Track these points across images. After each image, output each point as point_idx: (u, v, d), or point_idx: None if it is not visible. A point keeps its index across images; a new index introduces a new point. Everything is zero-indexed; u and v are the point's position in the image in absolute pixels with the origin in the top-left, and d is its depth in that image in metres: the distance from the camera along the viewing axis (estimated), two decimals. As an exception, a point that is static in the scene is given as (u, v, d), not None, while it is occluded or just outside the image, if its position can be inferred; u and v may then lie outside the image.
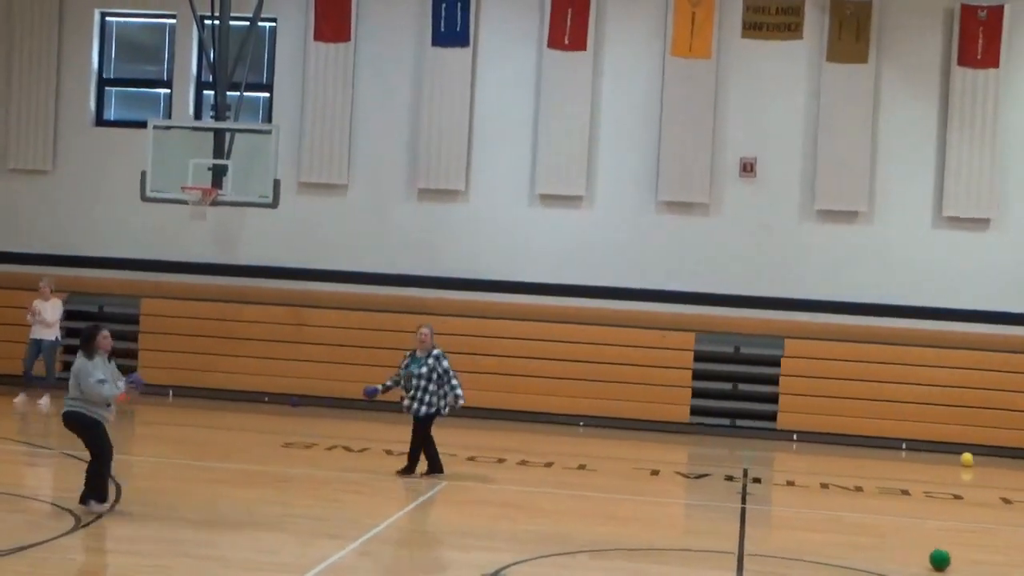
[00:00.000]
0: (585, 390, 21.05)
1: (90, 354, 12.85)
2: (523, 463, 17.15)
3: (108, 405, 12.94)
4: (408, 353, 15.60)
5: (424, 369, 15.28)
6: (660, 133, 21.34)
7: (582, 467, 17.20)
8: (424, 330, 15.52)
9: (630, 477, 16.81)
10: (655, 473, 17.11)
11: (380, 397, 15.65)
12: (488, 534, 12.95)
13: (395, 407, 20.67)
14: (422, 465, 15.55)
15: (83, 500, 12.77)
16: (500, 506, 14.38)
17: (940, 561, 12.00)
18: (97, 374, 12.76)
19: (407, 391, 15.36)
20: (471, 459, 17.23)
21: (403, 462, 15.71)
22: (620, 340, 21.13)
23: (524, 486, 15.60)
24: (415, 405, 15.31)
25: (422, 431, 15.47)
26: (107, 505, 12.82)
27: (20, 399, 19.95)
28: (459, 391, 15.38)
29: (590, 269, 21.53)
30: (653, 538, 13.25)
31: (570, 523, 13.66)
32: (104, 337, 12.95)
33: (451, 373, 15.40)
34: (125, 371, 13.31)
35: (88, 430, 12.97)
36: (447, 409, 15.46)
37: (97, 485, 12.85)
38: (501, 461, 17.23)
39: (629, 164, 21.55)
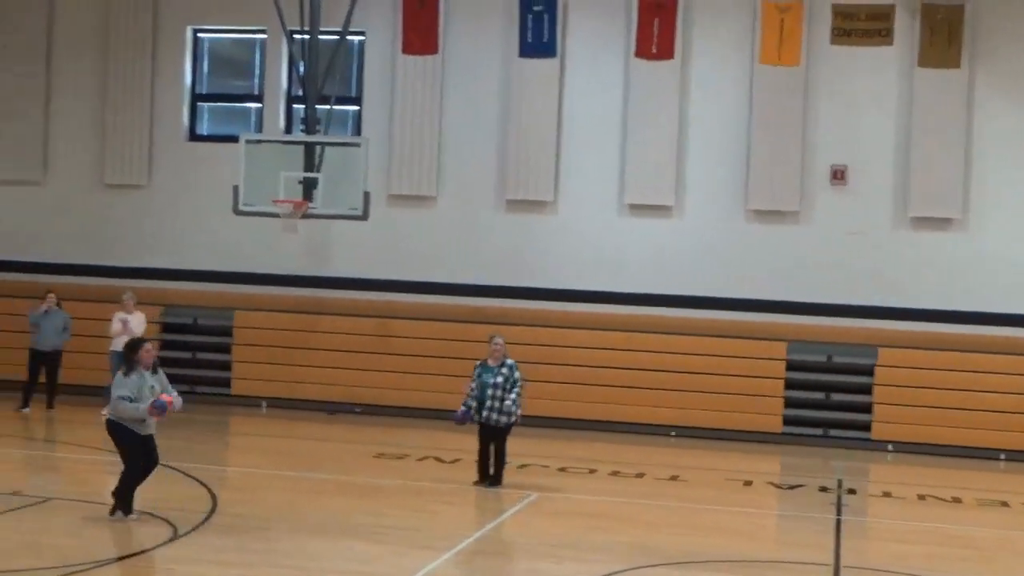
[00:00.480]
0: (676, 400, 20.94)
1: (129, 368, 12.94)
2: (615, 474, 17.10)
3: (143, 420, 12.94)
4: (479, 363, 15.61)
5: (499, 379, 15.32)
6: (749, 141, 21.20)
7: (674, 478, 17.12)
8: (498, 340, 15.60)
9: (722, 488, 16.70)
10: (748, 484, 16.98)
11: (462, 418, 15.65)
12: (581, 545, 12.93)
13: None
14: (469, 472, 15.47)
15: (113, 511, 12.93)
16: (592, 517, 14.35)
17: None
18: (123, 391, 12.82)
19: (480, 403, 15.37)
20: (562, 470, 17.22)
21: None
22: (711, 350, 20.99)
23: (616, 497, 15.55)
24: (494, 415, 15.32)
25: (502, 440, 15.47)
26: (134, 516, 12.88)
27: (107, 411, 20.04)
28: (517, 407, 15.38)
29: (680, 279, 21.42)
30: (747, 550, 13.15)
31: (663, 534, 13.61)
32: (147, 351, 13.02)
33: (519, 383, 15.40)
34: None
35: (121, 443, 13.08)
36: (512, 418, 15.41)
37: (123, 497, 12.97)
38: (592, 472, 17.19)
39: (718, 172, 21.43)
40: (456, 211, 22.20)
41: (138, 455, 13.00)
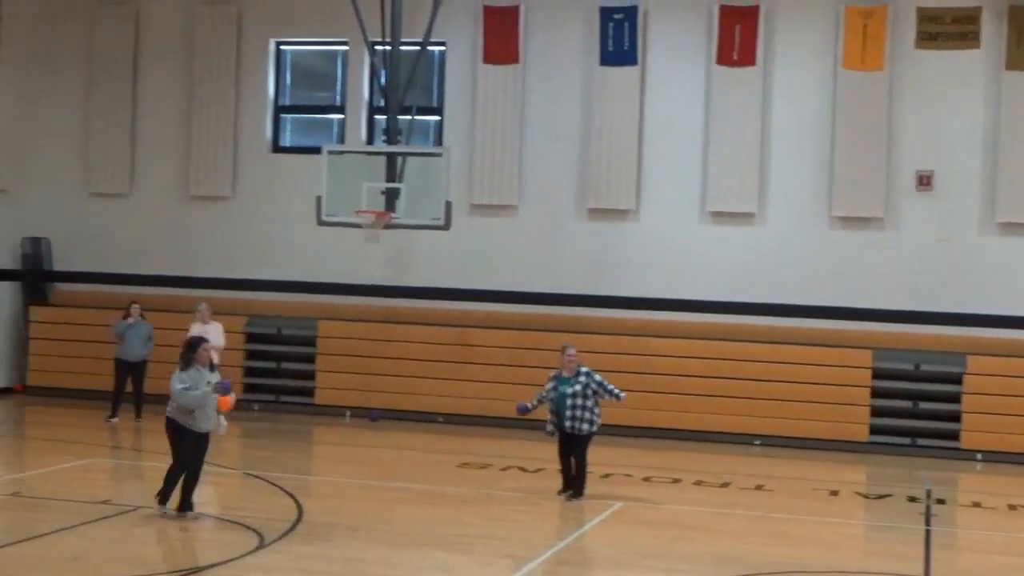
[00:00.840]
0: (760, 409, 20.76)
1: (185, 365, 13.46)
2: (699, 483, 16.99)
3: (191, 412, 13.37)
4: (553, 374, 15.57)
5: (577, 387, 15.29)
6: (833, 147, 20.99)
7: (759, 487, 16.98)
8: (571, 350, 15.60)
9: (808, 497, 16.54)
10: (834, 493, 16.80)
11: (530, 415, 15.77)
12: (665, 555, 12.87)
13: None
14: (552, 481, 15.42)
15: (168, 503, 13.47)
16: (677, 527, 14.26)
17: None
18: (182, 382, 13.31)
19: (559, 414, 15.31)
20: (646, 479, 17.14)
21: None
22: (795, 358, 20.77)
23: (700, 506, 15.44)
24: (576, 424, 15.28)
25: (582, 449, 15.42)
26: (165, 509, 13.39)
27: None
28: (619, 392, 15.42)
29: (763, 286, 21.25)
30: (834, 560, 13.00)
31: (748, 544, 13.49)
32: (204, 350, 13.61)
33: (604, 382, 15.38)
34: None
35: (174, 438, 13.52)
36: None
37: (166, 486, 13.49)
38: (676, 481, 17.09)
39: (801, 179, 21.24)
40: (537, 220, 22.19)
41: (188, 452, 13.43)
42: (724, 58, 21.20)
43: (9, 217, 23.68)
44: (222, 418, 19.87)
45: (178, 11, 23.71)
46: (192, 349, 13.59)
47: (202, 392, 13.36)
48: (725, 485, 16.96)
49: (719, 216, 21.45)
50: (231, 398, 13.76)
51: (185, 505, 13.50)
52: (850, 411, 20.55)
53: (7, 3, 23.28)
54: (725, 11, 21.13)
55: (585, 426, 15.28)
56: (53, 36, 24.23)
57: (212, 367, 13.78)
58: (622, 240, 21.82)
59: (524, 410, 15.72)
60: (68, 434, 19.52)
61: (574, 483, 15.41)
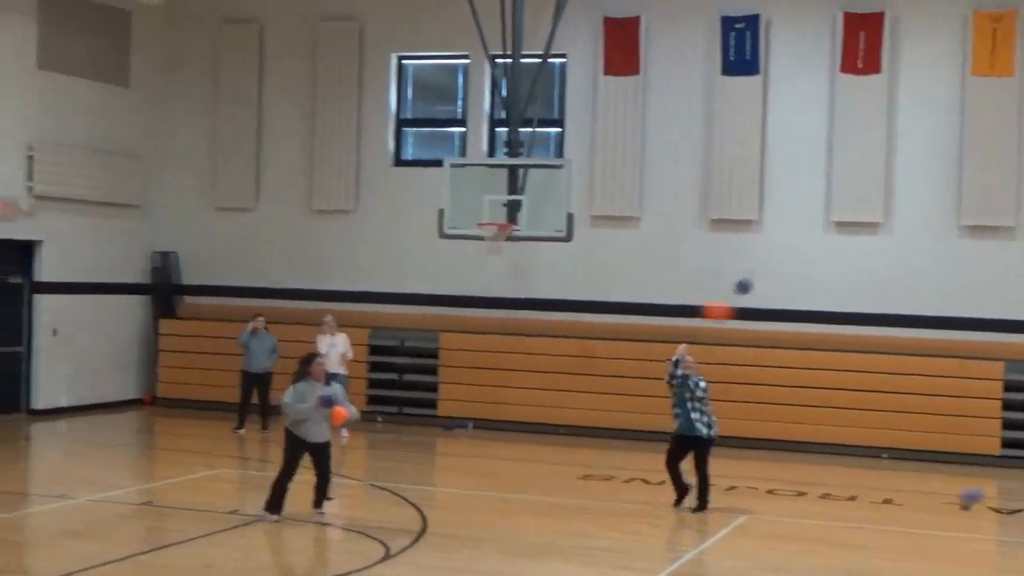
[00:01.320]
0: (887, 421, 20.42)
1: (298, 378, 14.02)
2: (825, 496, 16.76)
3: (303, 423, 13.83)
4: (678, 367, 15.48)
5: (704, 383, 15.25)
6: (961, 155, 20.59)
7: (888, 501, 16.69)
8: (690, 357, 15.56)
9: (939, 512, 16.22)
10: (965, 507, 16.43)
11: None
12: (791, 569, 12.72)
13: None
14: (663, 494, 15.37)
15: (275, 511, 13.91)
16: (803, 541, 14.08)
17: None
18: (291, 395, 13.84)
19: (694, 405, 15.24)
20: (771, 492, 16.96)
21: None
22: (923, 370, 20.39)
23: (827, 520, 15.21)
24: (701, 428, 15.24)
25: (706, 456, 15.30)
26: (275, 517, 13.77)
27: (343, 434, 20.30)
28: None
29: (889, 297, 20.91)
30: (967, 576, 12.75)
31: (878, 559, 13.28)
32: (318, 364, 14.15)
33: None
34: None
35: (287, 448, 14.06)
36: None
37: (272, 494, 13.93)
38: (802, 494, 16.88)
39: (929, 188, 20.86)
40: (659, 231, 22.10)
41: (296, 463, 13.92)
42: (848, 66, 20.93)
43: (140, 233, 24.20)
44: (343, 430, 20.01)
45: (301, 27, 24.04)
46: (306, 363, 14.12)
47: (307, 406, 13.75)
48: (852, 498, 16.70)
49: (843, 226, 21.17)
50: (345, 411, 13.86)
51: (318, 503, 14.16)
52: (980, 424, 20.11)
53: (136, 25, 23.79)
54: (849, 18, 20.86)
55: (707, 431, 15.26)
56: (180, 55, 24.72)
57: (328, 381, 14.24)
58: (745, 251, 21.62)
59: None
60: (196, 445, 19.87)
61: (696, 498, 15.28)
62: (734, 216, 21.59)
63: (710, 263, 21.70)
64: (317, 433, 13.97)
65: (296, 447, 13.95)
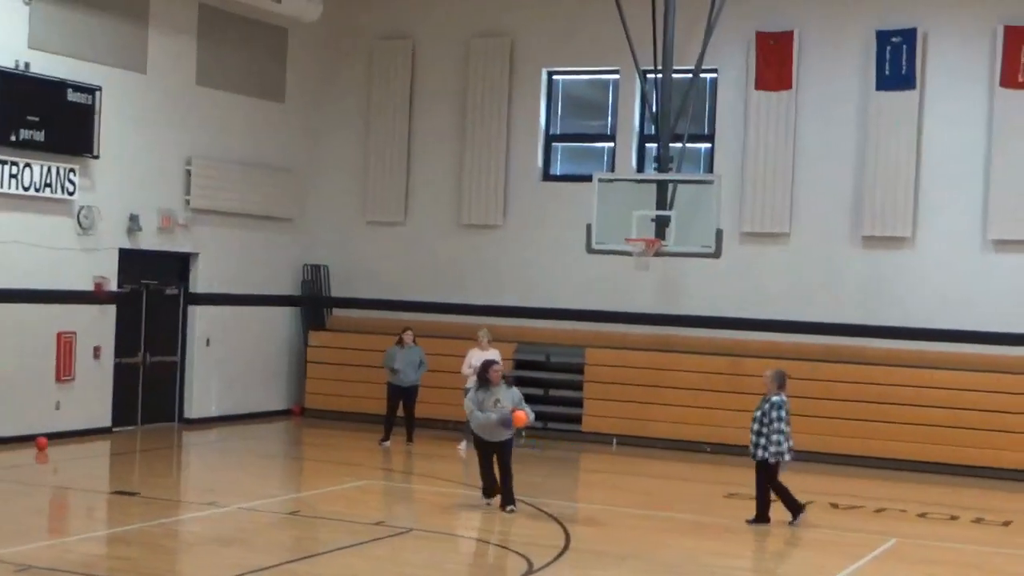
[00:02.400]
0: (1045, 445, 19.83)
1: (480, 385, 15.46)
2: (978, 521, 16.32)
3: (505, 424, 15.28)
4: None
5: (758, 412, 15.27)
6: None
7: (1044, 528, 16.20)
8: (766, 373, 15.64)
9: (1099, 540, 15.69)
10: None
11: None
12: (944, 595, 12.41)
13: (846, 460, 20.22)
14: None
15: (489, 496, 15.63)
16: (956, 566, 13.73)
17: None
18: (470, 402, 15.41)
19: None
20: (922, 515, 16.58)
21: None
22: (1084, 393, 19.79)
23: (982, 545, 14.80)
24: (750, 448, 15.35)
25: (761, 476, 15.35)
26: (487, 501, 15.56)
27: (463, 445, 20.39)
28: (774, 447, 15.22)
29: (1049, 317, 20.35)
30: None
31: (1034, 587, 12.89)
32: (494, 371, 15.46)
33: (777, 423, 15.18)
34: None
35: (475, 446, 15.83)
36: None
37: (483, 483, 15.67)
38: (954, 518, 16.47)
39: (1091, 206, 20.25)
40: (810, 248, 21.78)
41: (484, 458, 15.42)
42: (1009, 80, 20.40)
43: (292, 246, 24.59)
44: (462, 444, 20.06)
45: (453, 43, 24.24)
46: (484, 370, 15.51)
47: (481, 420, 15.22)
48: (1007, 524, 16.24)
49: (1001, 244, 20.63)
50: (524, 415, 15.15)
51: (505, 501, 15.33)
52: None
53: (292, 41, 24.23)
54: (1010, 31, 20.35)
55: (758, 452, 15.16)
56: (334, 71, 25.10)
57: (509, 385, 15.57)
58: (898, 269, 21.21)
59: None
60: (343, 456, 20.10)
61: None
62: (887, 233, 21.18)
63: (862, 281, 21.34)
64: (498, 433, 15.29)
65: (479, 445, 15.49)
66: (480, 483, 15.62)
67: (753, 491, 15.37)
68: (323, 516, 14.97)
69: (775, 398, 15.17)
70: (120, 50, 20.96)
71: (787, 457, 15.16)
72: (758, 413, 15.16)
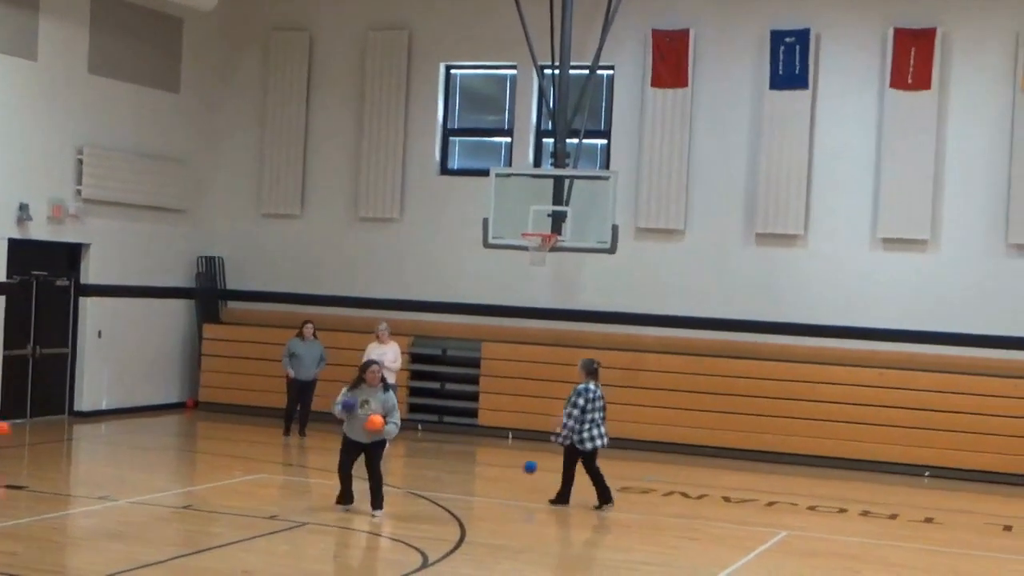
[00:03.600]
0: (930, 439, 20.24)
1: (353, 385, 14.67)
2: (865, 514, 16.63)
3: (347, 421, 14.70)
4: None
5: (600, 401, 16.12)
6: (1011, 172, 20.42)
7: (929, 520, 16.54)
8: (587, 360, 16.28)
9: (981, 532, 16.04)
10: (1008, 528, 16.29)
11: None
12: (832, 587, 12.63)
13: (740, 455, 20.51)
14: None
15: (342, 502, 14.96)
16: (843, 558, 13.97)
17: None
18: (338, 397, 14.66)
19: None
20: (811, 508, 16.84)
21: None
22: (969, 388, 20.20)
23: (868, 537, 15.09)
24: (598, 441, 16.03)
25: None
26: (342, 508, 14.85)
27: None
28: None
29: (936, 315, 20.75)
30: (1009, 597, 12.61)
31: (918, 578, 13.16)
32: (371, 372, 14.64)
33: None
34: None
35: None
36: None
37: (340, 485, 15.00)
38: (842, 511, 16.75)
39: (977, 205, 20.69)
40: (704, 244, 22.03)
41: (345, 456, 14.78)
42: (898, 81, 20.80)
43: (187, 237, 24.33)
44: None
45: (350, 35, 24.14)
46: (362, 371, 14.72)
47: (336, 408, 14.61)
48: (893, 516, 16.58)
49: (890, 243, 21.03)
50: (379, 420, 14.36)
51: (374, 504, 14.67)
52: (1025, 444, 19.92)
53: (187, 31, 23.96)
54: (900, 33, 20.75)
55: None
56: (230, 62, 24.90)
57: (386, 388, 14.65)
58: (790, 266, 21.54)
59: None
60: (237, 449, 19.95)
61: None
62: (780, 230, 21.49)
63: (755, 277, 21.63)
64: (361, 434, 14.57)
65: (345, 444, 14.78)
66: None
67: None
68: (216, 510, 14.84)
69: (579, 386, 15.76)
70: (10, 37, 20.59)
71: (588, 446, 15.82)
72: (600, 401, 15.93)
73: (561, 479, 15.99)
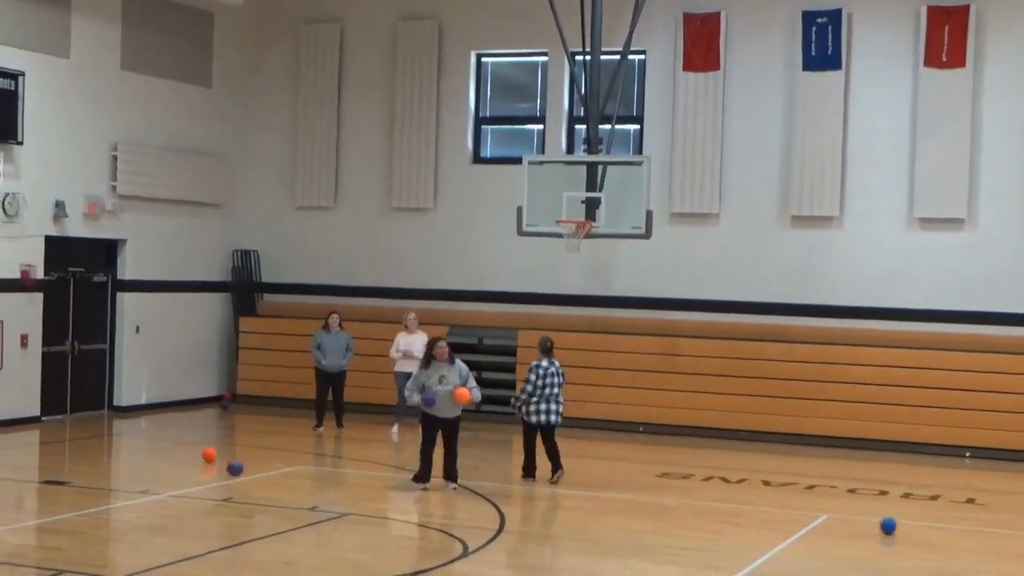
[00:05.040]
0: (971, 420, 20.10)
1: (424, 363, 15.53)
2: (907, 496, 16.54)
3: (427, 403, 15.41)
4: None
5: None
6: (1048, 149, 20.28)
7: (971, 500, 16.44)
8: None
9: (1022, 511, 15.92)
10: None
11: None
12: (873, 569, 12.57)
13: (779, 439, 20.44)
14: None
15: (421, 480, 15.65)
16: (885, 540, 13.89)
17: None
18: (412, 380, 15.64)
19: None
20: (852, 491, 16.77)
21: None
22: (1008, 368, 20.04)
23: (910, 519, 14.95)
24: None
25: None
26: (422, 486, 15.55)
27: (395, 429, 20.59)
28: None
29: (974, 294, 20.61)
30: (1054, 577, 12.52)
31: (959, 559, 13.07)
32: (439, 348, 15.46)
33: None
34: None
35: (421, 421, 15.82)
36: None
37: (420, 465, 15.72)
38: (883, 493, 16.67)
39: (1014, 183, 20.52)
40: (739, 228, 21.94)
41: (428, 435, 15.50)
42: (932, 60, 20.65)
43: (222, 232, 24.43)
44: (395, 427, 20.34)
45: (381, 26, 24.15)
46: (429, 348, 15.64)
47: (411, 403, 15.66)
48: (935, 498, 16.48)
49: (927, 222, 20.89)
50: (467, 392, 15.23)
51: (448, 476, 15.61)
52: (1068, 423, 19.76)
53: (218, 25, 24.03)
54: (933, 12, 20.60)
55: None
56: (261, 55, 24.96)
57: (452, 360, 15.48)
58: (826, 248, 21.43)
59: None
60: (276, 442, 20.00)
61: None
62: (815, 213, 21.39)
63: (791, 260, 21.54)
64: (443, 410, 15.43)
65: (423, 418, 15.57)
66: (418, 467, 15.72)
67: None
68: (256, 502, 14.90)
69: (533, 362, 16.32)
70: (43, 35, 20.70)
71: (532, 419, 16.30)
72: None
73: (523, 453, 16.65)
